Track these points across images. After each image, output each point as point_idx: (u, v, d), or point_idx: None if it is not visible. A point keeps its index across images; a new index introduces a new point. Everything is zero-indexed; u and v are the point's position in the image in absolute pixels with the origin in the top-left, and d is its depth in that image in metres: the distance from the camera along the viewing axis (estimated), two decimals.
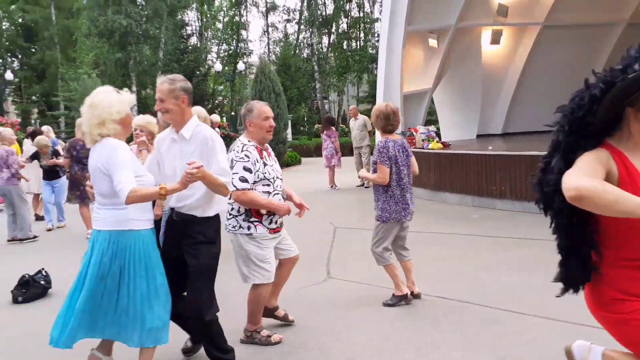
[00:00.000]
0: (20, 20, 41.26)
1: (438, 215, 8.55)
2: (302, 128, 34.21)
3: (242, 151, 3.62)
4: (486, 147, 9.61)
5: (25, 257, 7.10)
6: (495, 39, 13.55)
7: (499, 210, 8.49)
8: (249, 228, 3.64)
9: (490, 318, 4.04)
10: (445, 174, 9.66)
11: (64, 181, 9.00)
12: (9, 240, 8.07)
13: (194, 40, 37.58)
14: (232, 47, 39.81)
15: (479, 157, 9.04)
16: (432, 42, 12.43)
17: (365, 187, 12.20)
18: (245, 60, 36.13)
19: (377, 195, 4.45)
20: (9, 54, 42.54)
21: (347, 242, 6.92)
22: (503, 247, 6.25)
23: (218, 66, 29.75)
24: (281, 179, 3.86)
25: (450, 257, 5.92)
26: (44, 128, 11.60)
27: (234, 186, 3.48)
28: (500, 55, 14.13)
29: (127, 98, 3.11)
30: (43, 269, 5.44)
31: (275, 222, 3.74)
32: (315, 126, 33.63)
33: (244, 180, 3.53)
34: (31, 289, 5.16)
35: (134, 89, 30.38)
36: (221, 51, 40.24)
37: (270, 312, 4.08)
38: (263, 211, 3.64)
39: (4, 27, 41.35)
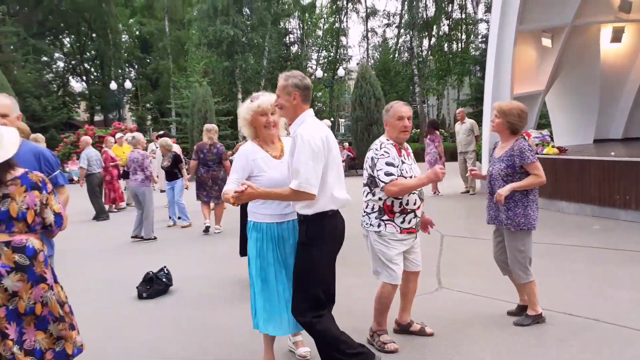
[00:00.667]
0: (137, 32, 44.61)
1: (555, 225, 8.03)
2: None
3: (381, 148, 3.67)
4: (608, 153, 8.91)
5: (147, 254, 7.59)
6: (617, 37, 12.58)
7: (623, 221, 7.84)
8: (378, 226, 3.65)
9: (625, 339, 3.70)
10: (561, 182, 9.07)
11: (181, 182, 9.61)
12: (132, 237, 8.66)
13: (295, 48, 38.55)
14: (332, 54, 40.34)
15: (601, 164, 8.39)
16: (546, 42, 11.79)
17: (471, 194, 11.79)
18: (344, 66, 36.42)
19: (514, 201, 4.04)
20: (127, 65, 46.12)
21: (456, 251, 6.70)
22: (631, 261, 5.75)
23: (319, 72, 30.20)
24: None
25: (572, 271, 5.52)
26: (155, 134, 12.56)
27: (382, 182, 3.56)
28: (621, 54, 13.07)
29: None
30: (165, 266, 5.76)
31: (409, 222, 3.68)
32: (414, 131, 33.18)
33: (389, 173, 3.57)
34: (155, 285, 5.47)
35: (240, 96, 31.66)
36: (321, 58, 40.91)
37: (405, 328, 4.01)
38: (396, 209, 3.63)
39: (123, 40, 44.89)
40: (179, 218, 9.90)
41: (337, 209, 3.20)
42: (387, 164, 3.59)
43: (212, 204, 9.12)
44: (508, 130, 4.15)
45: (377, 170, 3.59)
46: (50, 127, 29.86)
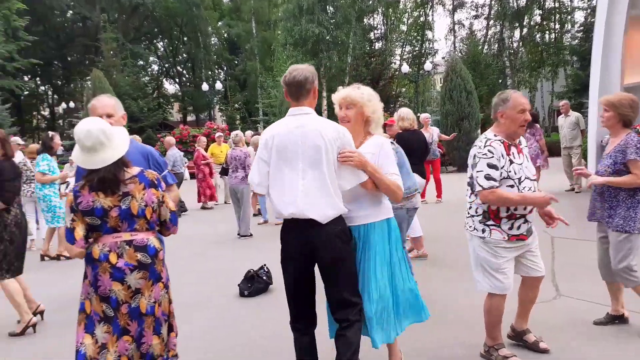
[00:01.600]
0: (225, 35, 46.10)
1: None
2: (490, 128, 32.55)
3: (485, 146, 3.26)
4: None
5: (244, 251, 7.69)
6: None
7: None
8: (483, 231, 3.32)
9: None
10: None
11: None
12: (241, 236, 8.79)
13: (379, 44, 38.17)
14: (417, 48, 39.57)
15: None
16: None
17: (576, 192, 11.01)
18: (431, 60, 35.59)
19: (617, 200, 3.73)
20: (216, 66, 47.83)
21: (570, 255, 6.18)
22: None
23: (405, 68, 29.65)
24: (533, 180, 3.36)
25: None
26: (249, 133, 12.81)
27: (480, 185, 3.21)
28: None
29: None
30: (265, 265, 5.76)
31: (518, 228, 3.28)
32: None
33: (489, 178, 3.20)
34: (255, 283, 5.48)
35: (324, 94, 31.80)
36: (405, 53, 40.22)
37: (519, 335, 3.68)
38: (503, 214, 3.26)
39: (212, 42, 46.57)
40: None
41: (288, 219, 2.87)
42: (489, 165, 3.21)
43: None
44: (620, 123, 3.80)
45: (477, 172, 3.24)
46: (147, 128, 31.50)
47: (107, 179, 2.65)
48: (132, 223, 2.69)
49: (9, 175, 4.56)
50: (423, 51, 39.09)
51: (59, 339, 4.53)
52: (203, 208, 12.42)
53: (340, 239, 2.83)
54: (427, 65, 29.11)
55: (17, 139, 12.69)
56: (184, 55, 48.35)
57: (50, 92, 48.76)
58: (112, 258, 2.65)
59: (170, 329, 2.88)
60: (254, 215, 10.65)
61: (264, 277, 5.58)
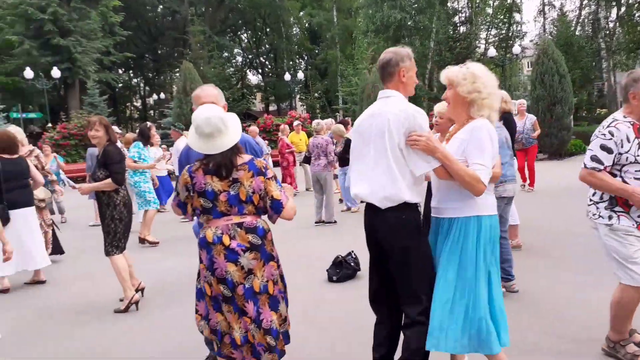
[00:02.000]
0: (307, 24, 46.48)
1: None
2: (583, 113, 30.71)
3: (608, 127, 3.09)
4: None
5: (329, 237, 7.73)
6: None
7: None
8: (610, 218, 3.12)
9: None
10: None
11: None
12: (316, 222, 8.87)
13: (463, 28, 36.96)
14: (503, 31, 37.91)
15: None
16: None
17: None
18: (519, 43, 34.00)
19: None
20: (297, 56, 48.38)
21: None
22: None
23: (492, 51, 28.49)
24: None
25: None
26: (329, 121, 12.86)
27: (584, 163, 3.06)
28: None
29: None
30: (352, 251, 5.75)
31: None
32: (598, 111, 29.91)
33: (595, 159, 3.05)
34: (344, 269, 5.50)
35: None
36: (490, 36, 38.65)
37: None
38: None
39: (294, 32, 47.12)
40: (354, 204, 9.98)
41: (367, 203, 2.83)
42: (602, 147, 3.04)
43: None
44: None
45: (589, 149, 3.10)
46: None
47: (223, 164, 2.75)
48: (241, 208, 2.78)
49: (115, 158, 4.86)
50: (510, 34, 37.39)
51: (158, 315, 4.78)
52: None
53: (405, 229, 2.70)
54: (516, 49, 27.82)
55: (115, 128, 13.54)
56: (267, 46, 49.30)
57: (142, 84, 51.47)
58: (226, 240, 2.75)
59: (286, 304, 2.97)
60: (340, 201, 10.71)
61: (352, 264, 5.58)
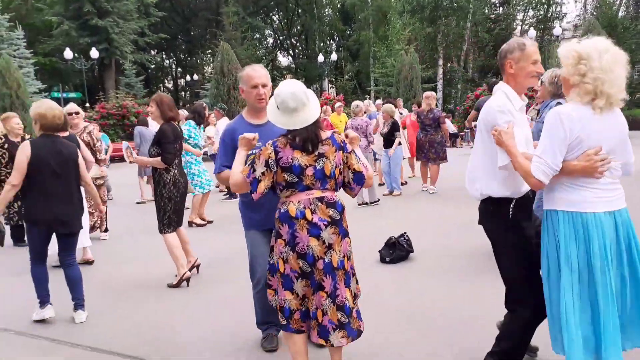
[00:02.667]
0: (339, 5, 45.94)
1: None
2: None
3: None
4: None
5: (375, 219, 7.72)
6: None
7: None
8: None
9: None
10: None
11: (400, 152, 9.54)
12: (359, 204, 8.84)
13: (502, 8, 36.06)
14: (541, 12, 36.86)
15: None
16: None
17: None
18: (559, 24, 33.04)
19: None
20: (328, 38, 47.95)
21: None
22: None
23: (532, 32, 27.76)
24: None
25: None
26: (366, 102, 12.75)
27: None
28: None
29: None
30: (405, 232, 5.71)
31: None
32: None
33: None
34: (397, 251, 5.47)
35: (440, 62, 30.82)
36: (528, 17, 37.65)
37: None
38: None
39: (326, 13, 46.65)
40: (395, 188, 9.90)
41: None
42: None
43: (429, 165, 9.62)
44: None
45: None
46: None
47: (309, 138, 2.76)
48: (325, 183, 2.79)
49: (168, 137, 4.87)
50: (549, 15, 36.34)
51: (209, 292, 4.84)
52: None
53: (491, 220, 2.84)
54: (557, 30, 27.05)
55: None
56: (298, 27, 48.99)
57: (174, 66, 51.83)
58: (308, 214, 2.75)
59: (356, 281, 2.97)
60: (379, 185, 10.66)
61: (405, 245, 5.54)
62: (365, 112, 10.69)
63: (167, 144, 4.85)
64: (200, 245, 6.16)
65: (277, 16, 50.51)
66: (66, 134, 5.52)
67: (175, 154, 4.96)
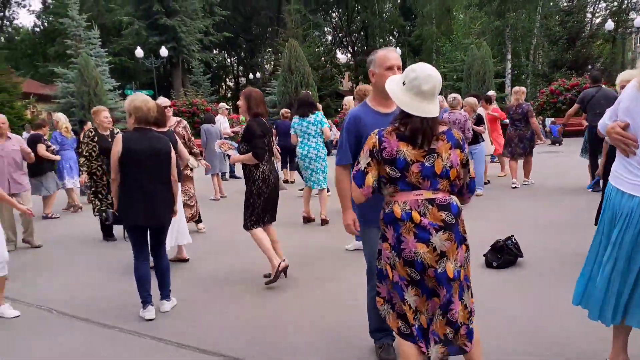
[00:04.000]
0: (398, 1, 45.30)
1: None
2: None
3: None
4: None
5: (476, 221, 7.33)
6: None
7: None
8: None
9: None
10: None
11: (482, 148, 9.08)
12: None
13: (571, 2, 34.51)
14: (615, 3, 34.97)
15: None
16: None
17: None
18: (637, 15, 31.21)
19: None
20: (387, 33, 47.36)
21: None
22: None
23: (610, 24, 26.29)
24: None
25: None
26: (440, 98, 12.31)
27: None
28: None
29: None
30: (512, 235, 5.33)
31: None
32: None
33: None
34: (505, 255, 5.11)
35: (509, 57, 29.73)
36: (598, 9, 35.84)
37: None
38: None
39: (386, 8, 46.09)
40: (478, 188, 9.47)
41: None
42: None
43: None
44: None
45: None
46: (326, 97, 32.49)
47: (420, 130, 2.44)
48: (435, 183, 2.46)
49: (256, 132, 4.70)
50: (623, 6, 34.44)
51: (311, 291, 4.66)
52: None
53: None
54: (637, 21, 25.47)
55: (223, 105, 13.82)
56: (358, 24, 48.66)
57: (235, 64, 52.64)
58: (415, 216, 2.43)
59: (471, 294, 2.62)
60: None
61: (514, 249, 5.18)
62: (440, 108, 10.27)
63: (256, 139, 4.70)
64: (289, 242, 6.01)
65: (336, 13, 50.39)
66: (165, 129, 5.51)
67: (264, 149, 4.79)
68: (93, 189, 7.03)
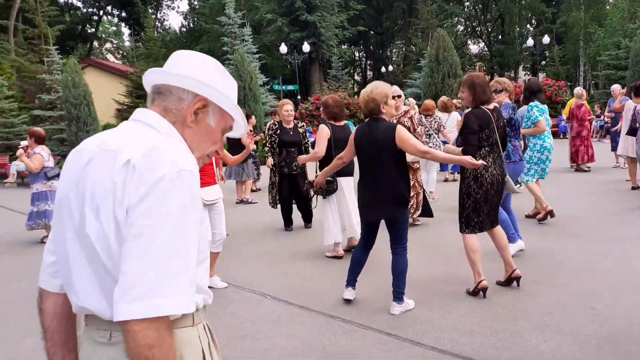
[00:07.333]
0: None
1: None
2: None
3: None
4: None
5: None
6: None
7: None
8: None
9: None
10: None
11: None
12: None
13: None
14: None
15: None
16: None
17: None
18: None
19: None
20: (525, 21, 44.68)
21: None
22: None
23: None
24: None
25: None
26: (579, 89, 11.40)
27: None
28: None
29: None
30: None
31: None
32: None
33: None
34: None
35: None
36: None
37: None
38: None
39: None
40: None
41: None
42: None
43: None
44: None
45: None
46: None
47: None
48: None
49: (470, 127, 4.33)
50: None
51: (543, 295, 4.36)
52: (577, 170, 11.40)
53: None
54: None
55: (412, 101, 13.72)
56: (494, 13, 46.50)
57: (363, 58, 52.72)
58: None
59: None
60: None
61: None
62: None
63: (468, 135, 4.31)
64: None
65: (469, 2, 48.52)
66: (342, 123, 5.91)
67: (476, 146, 4.31)
68: (272, 180, 7.22)
